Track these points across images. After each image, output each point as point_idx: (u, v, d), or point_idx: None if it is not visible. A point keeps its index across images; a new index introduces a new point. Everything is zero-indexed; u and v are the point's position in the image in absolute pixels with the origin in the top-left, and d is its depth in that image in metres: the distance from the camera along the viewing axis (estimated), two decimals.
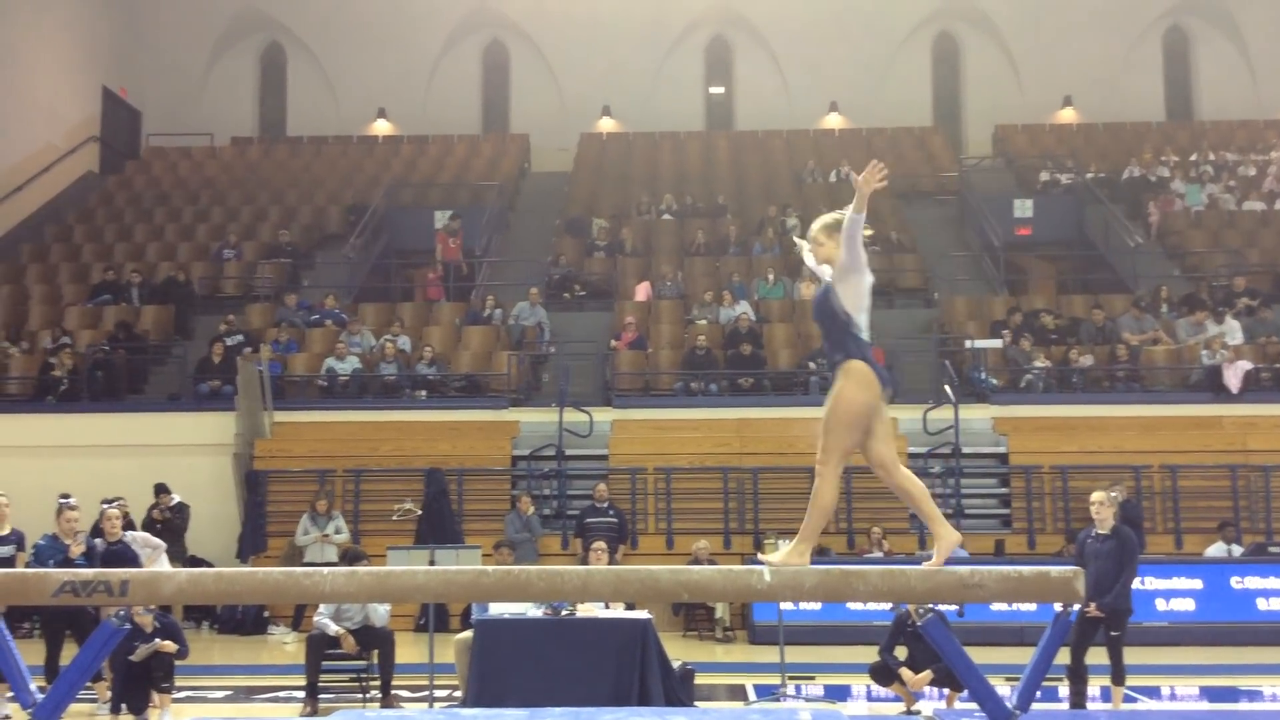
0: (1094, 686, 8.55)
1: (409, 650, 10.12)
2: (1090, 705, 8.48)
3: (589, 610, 8.72)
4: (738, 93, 26.72)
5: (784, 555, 4.99)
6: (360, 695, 9.19)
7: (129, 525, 11.62)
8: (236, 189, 22.85)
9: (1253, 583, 12.40)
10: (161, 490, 13.38)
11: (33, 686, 5.10)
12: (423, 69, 25.97)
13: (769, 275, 18.50)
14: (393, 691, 8.98)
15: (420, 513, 13.44)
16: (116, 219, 21.48)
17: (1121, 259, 19.26)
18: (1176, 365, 16.10)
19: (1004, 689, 5.92)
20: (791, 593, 5.28)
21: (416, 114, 25.80)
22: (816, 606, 11.41)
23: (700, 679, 9.04)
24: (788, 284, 18.47)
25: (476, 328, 17.25)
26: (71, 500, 8.96)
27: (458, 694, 8.84)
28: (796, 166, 23.29)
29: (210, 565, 13.17)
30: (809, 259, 5.33)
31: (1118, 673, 8.31)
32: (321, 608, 9.09)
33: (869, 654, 8.90)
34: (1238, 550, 13.08)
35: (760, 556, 8.35)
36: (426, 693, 9.03)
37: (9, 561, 8.63)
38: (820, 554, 12.75)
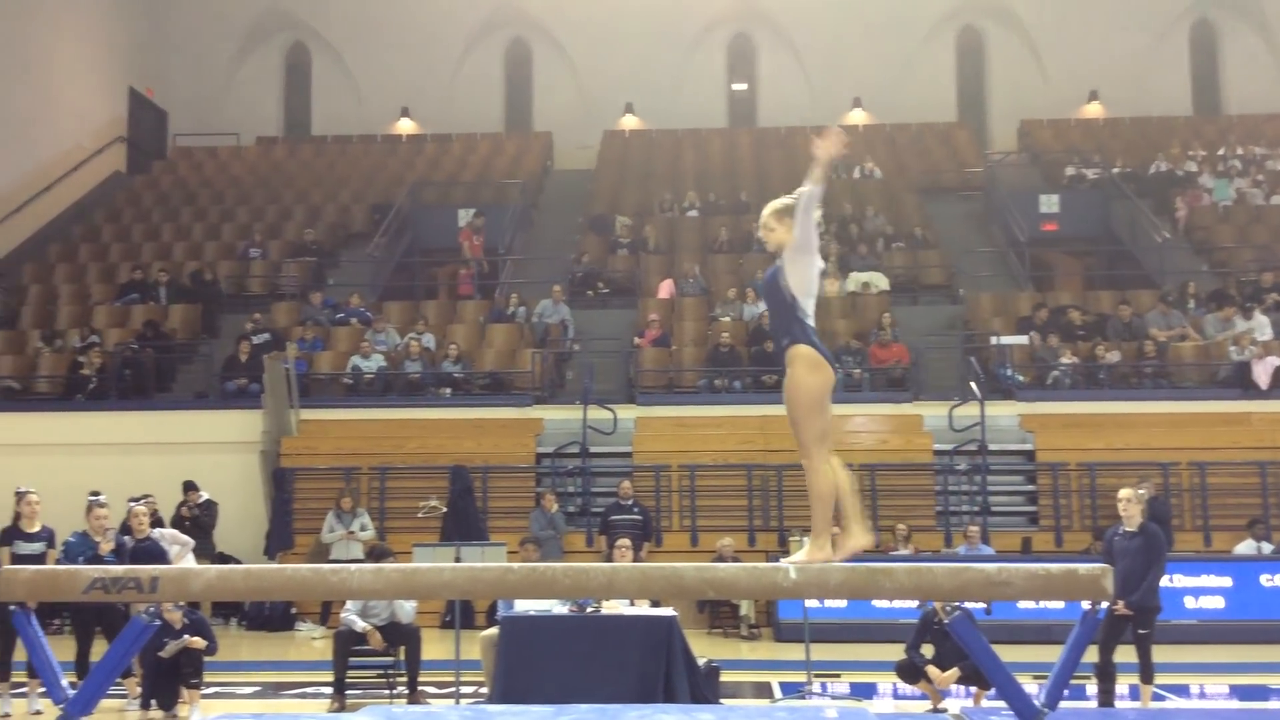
0: (1122, 685, 8.50)
1: (435, 647, 10.16)
2: (1118, 703, 8.43)
3: (613, 607, 8.73)
4: (760, 89, 26.67)
5: (806, 554, 4.96)
6: (387, 691, 9.23)
7: (157, 523, 11.74)
8: (262, 188, 22.99)
9: None
10: (190, 488, 13.49)
11: (64, 682, 5.16)
12: (446, 68, 26.05)
13: None
14: (419, 688, 9.02)
15: (445, 510, 13.50)
16: (144, 218, 21.66)
17: (1148, 254, 19.12)
18: (1204, 361, 15.97)
19: (1031, 687, 5.89)
20: (817, 590, 5.28)
21: (440, 113, 25.88)
22: (842, 604, 11.37)
23: (725, 676, 9.04)
24: None
25: (500, 325, 17.29)
26: (101, 498, 9.03)
27: (484, 690, 8.87)
28: None
29: (238, 562, 13.28)
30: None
31: (1146, 671, 8.26)
32: (349, 604, 9.14)
33: (894, 652, 8.87)
34: (1267, 548, 12.95)
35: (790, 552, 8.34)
36: (453, 689, 9.06)
37: (40, 558, 8.72)
38: None
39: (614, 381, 16.31)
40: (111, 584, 5.00)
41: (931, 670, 8.35)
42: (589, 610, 8.61)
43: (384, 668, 9.31)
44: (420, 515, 13.49)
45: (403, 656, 9.15)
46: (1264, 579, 12.31)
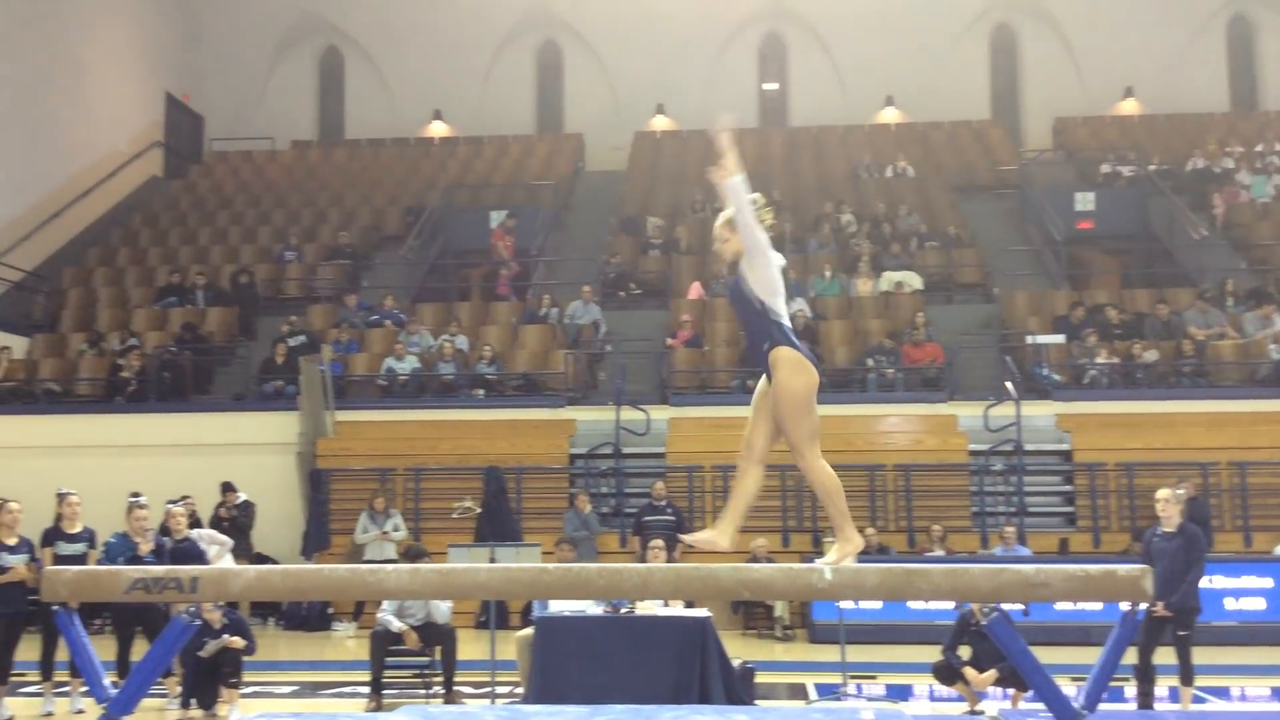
0: (1162, 686, 8.42)
1: (470, 647, 10.21)
2: (1158, 706, 8.35)
3: (648, 608, 8.74)
4: (792, 89, 26.59)
5: (837, 552, 4.93)
6: (423, 691, 9.28)
7: (195, 523, 11.86)
8: (297, 192, 23.17)
9: None
10: (228, 488, 13.61)
11: (106, 681, 5.22)
12: (478, 71, 26.16)
13: (825, 272, 18.40)
14: (455, 687, 9.06)
15: (479, 511, 13.55)
16: (181, 222, 21.89)
17: (1186, 252, 18.91)
18: (1244, 360, 15.78)
19: (1070, 689, 5.85)
20: (853, 591, 5.26)
21: (472, 115, 26.00)
22: (877, 605, 11.31)
23: (760, 677, 9.03)
24: (844, 280, 18.36)
25: (533, 327, 17.34)
26: (142, 499, 9.14)
27: (519, 690, 8.90)
28: (852, 162, 23.13)
29: (275, 562, 13.38)
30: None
31: (1186, 673, 8.18)
32: (385, 604, 9.20)
33: (930, 653, 8.83)
34: None
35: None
36: (488, 689, 9.10)
37: (81, 559, 8.83)
38: (880, 552, 12.70)
39: (646, 382, 16.32)
40: (153, 584, 5.04)
41: (969, 672, 8.30)
42: (623, 611, 8.62)
43: (420, 667, 9.36)
44: (454, 516, 13.55)
45: (438, 656, 9.19)
46: None
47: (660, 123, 25.85)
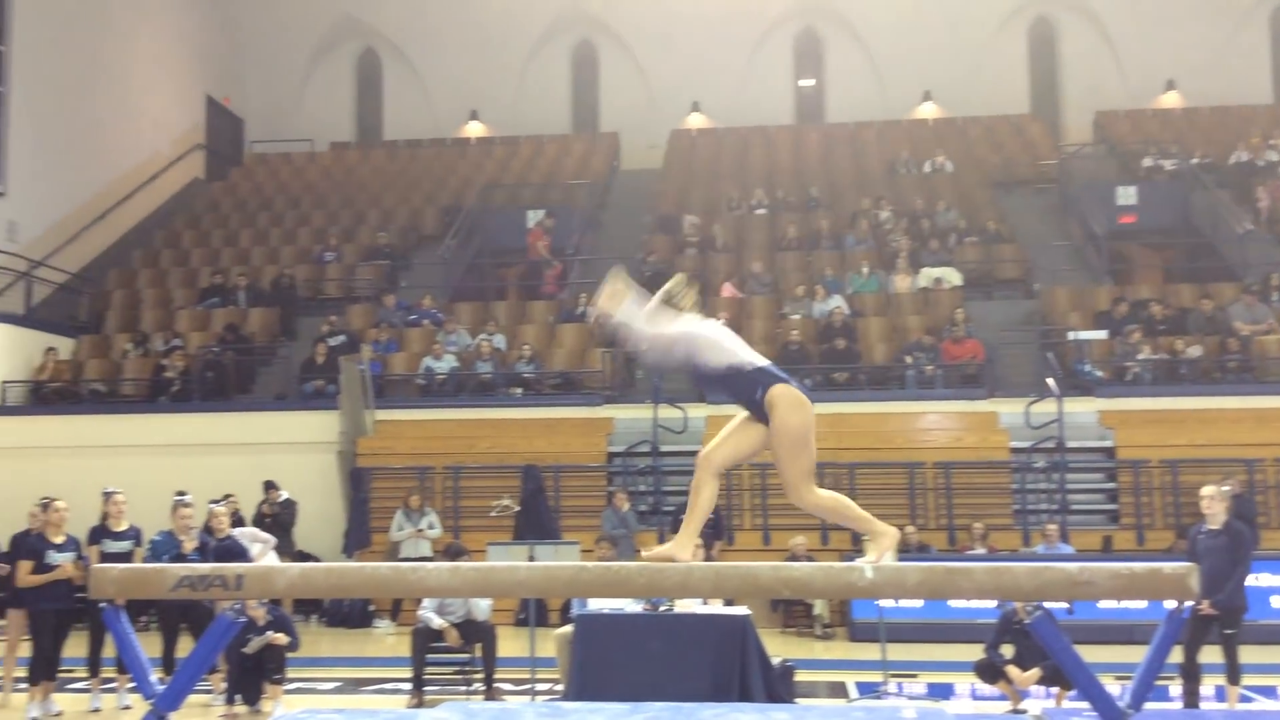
0: (1208, 685, 8.32)
1: (510, 644, 10.25)
2: (1204, 705, 8.25)
3: (686, 606, 8.74)
4: (828, 85, 26.48)
5: (875, 550, 4.90)
6: (464, 688, 9.34)
7: (238, 522, 11.99)
8: (336, 193, 23.35)
9: None
10: (270, 487, 13.75)
11: (153, 678, 5.29)
12: (513, 71, 26.25)
13: (863, 268, 18.30)
14: (495, 684, 9.11)
15: (518, 509, 13.60)
16: (222, 224, 22.13)
17: (1230, 246, 18.64)
18: None
19: (1114, 688, 5.79)
20: (894, 590, 5.22)
21: (508, 115, 26.10)
22: (917, 604, 11.21)
23: (800, 676, 8.99)
24: (882, 277, 18.25)
25: (570, 325, 17.38)
26: (187, 497, 9.24)
27: (559, 688, 8.93)
28: (889, 158, 23.00)
29: (318, 560, 13.51)
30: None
31: (1233, 672, 8.07)
32: (425, 602, 9.26)
33: (971, 652, 8.77)
34: None
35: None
36: (528, 686, 9.14)
37: (127, 556, 8.95)
38: (921, 550, 12.63)
39: (683, 380, 16.24)
40: (198, 581, 5.09)
41: (1012, 670, 8.24)
42: (663, 609, 8.62)
43: (461, 664, 9.41)
44: (493, 514, 13.61)
45: (479, 653, 9.24)
46: None
47: (696, 120, 25.83)
